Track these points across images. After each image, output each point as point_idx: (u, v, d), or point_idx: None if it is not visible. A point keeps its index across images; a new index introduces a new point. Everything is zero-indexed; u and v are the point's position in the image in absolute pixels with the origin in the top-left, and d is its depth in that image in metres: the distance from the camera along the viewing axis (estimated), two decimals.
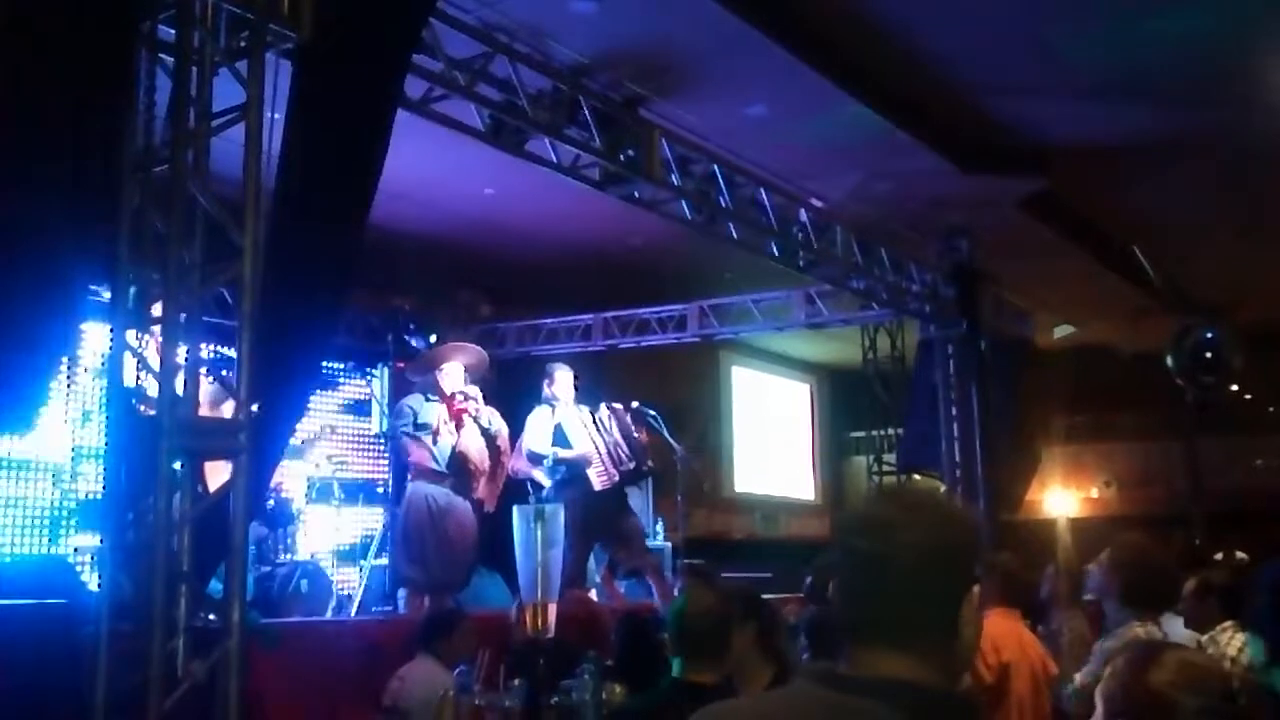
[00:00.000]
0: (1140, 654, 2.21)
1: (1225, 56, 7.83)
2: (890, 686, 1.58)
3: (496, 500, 8.28)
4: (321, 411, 10.05)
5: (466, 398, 8.24)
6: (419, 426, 8.01)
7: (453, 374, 8.24)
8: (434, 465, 7.97)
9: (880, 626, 1.63)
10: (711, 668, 3.31)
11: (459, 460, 8.05)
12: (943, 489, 10.67)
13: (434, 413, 8.06)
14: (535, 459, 8.50)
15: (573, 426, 8.56)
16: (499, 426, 8.34)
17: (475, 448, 8.14)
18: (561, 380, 8.72)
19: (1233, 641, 4.34)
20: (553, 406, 8.61)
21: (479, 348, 8.88)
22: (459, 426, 8.10)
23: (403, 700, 5.42)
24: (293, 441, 8.55)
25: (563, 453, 8.47)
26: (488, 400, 8.48)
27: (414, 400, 8.18)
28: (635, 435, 8.79)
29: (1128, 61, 7.93)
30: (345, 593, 8.78)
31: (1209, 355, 12.25)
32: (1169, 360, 12.46)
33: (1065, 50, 7.79)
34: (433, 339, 9.91)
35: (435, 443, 7.98)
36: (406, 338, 10.05)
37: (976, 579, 1.69)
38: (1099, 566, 4.36)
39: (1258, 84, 8.14)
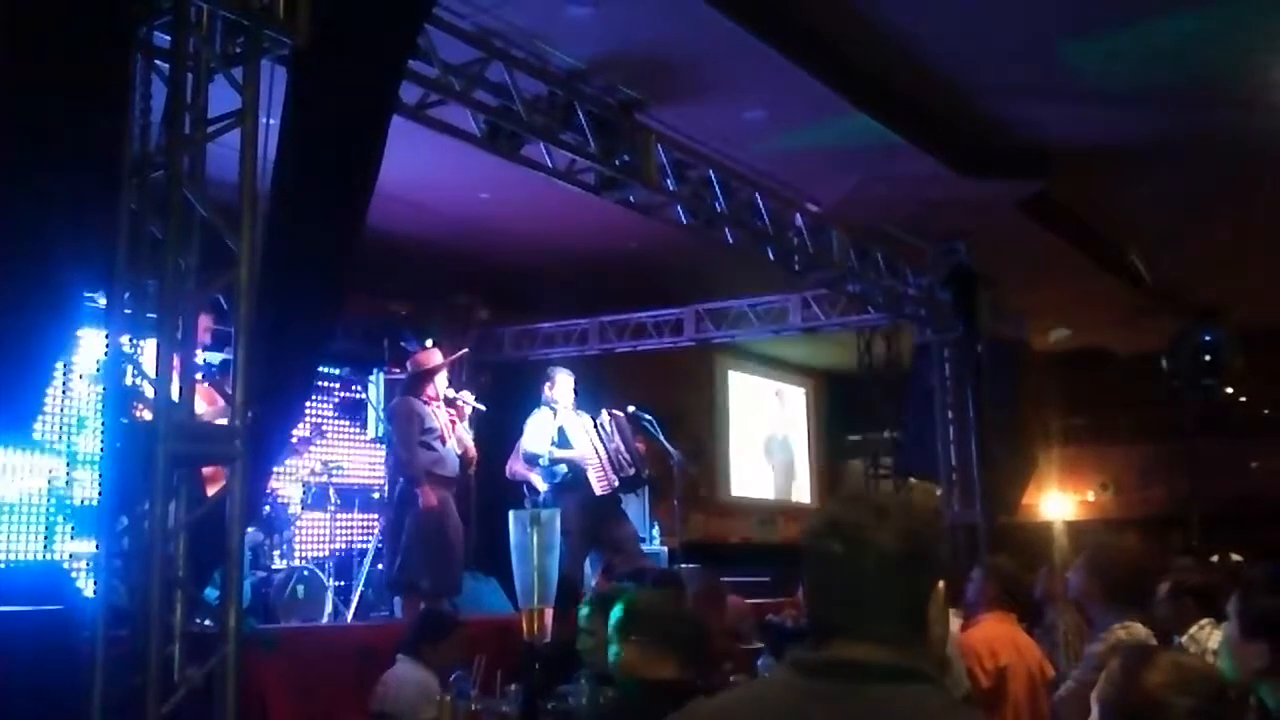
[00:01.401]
0: (1135, 656, 2.23)
1: (1222, 58, 7.85)
2: (859, 667, 1.64)
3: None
4: (317, 417, 10.04)
5: (464, 402, 8.29)
6: (426, 431, 8.02)
7: (442, 378, 8.30)
8: (442, 471, 7.98)
9: (851, 625, 1.69)
10: (681, 666, 3.28)
11: (464, 461, 8.13)
12: (939, 491, 10.70)
13: (437, 418, 8.08)
14: (531, 459, 8.51)
15: (574, 431, 8.58)
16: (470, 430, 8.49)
17: (469, 446, 8.27)
18: (562, 384, 8.73)
19: (1213, 637, 4.33)
20: (553, 410, 8.62)
21: (453, 349, 9.00)
22: (453, 430, 8.16)
23: (389, 704, 5.41)
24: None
25: (559, 452, 8.47)
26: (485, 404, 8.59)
27: (418, 405, 8.18)
28: (635, 444, 8.81)
29: (1125, 63, 7.95)
30: (341, 598, 8.77)
31: (1209, 358, 12.24)
32: (1167, 363, 12.47)
33: (1062, 53, 7.81)
34: (429, 344, 9.93)
35: (444, 446, 8.01)
36: (402, 343, 10.06)
37: (941, 578, 1.77)
38: (1075, 571, 4.37)
39: (1254, 85, 8.16)
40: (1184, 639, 4.43)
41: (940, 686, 1.70)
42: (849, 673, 1.64)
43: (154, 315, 4.12)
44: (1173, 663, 2.16)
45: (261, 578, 7.75)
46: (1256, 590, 3.90)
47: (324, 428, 9.57)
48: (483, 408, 8.70)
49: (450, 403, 8.27)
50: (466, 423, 8.37)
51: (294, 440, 8.69)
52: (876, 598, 1.68)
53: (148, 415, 4.00)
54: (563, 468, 8.46)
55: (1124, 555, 4.29)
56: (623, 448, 8.68)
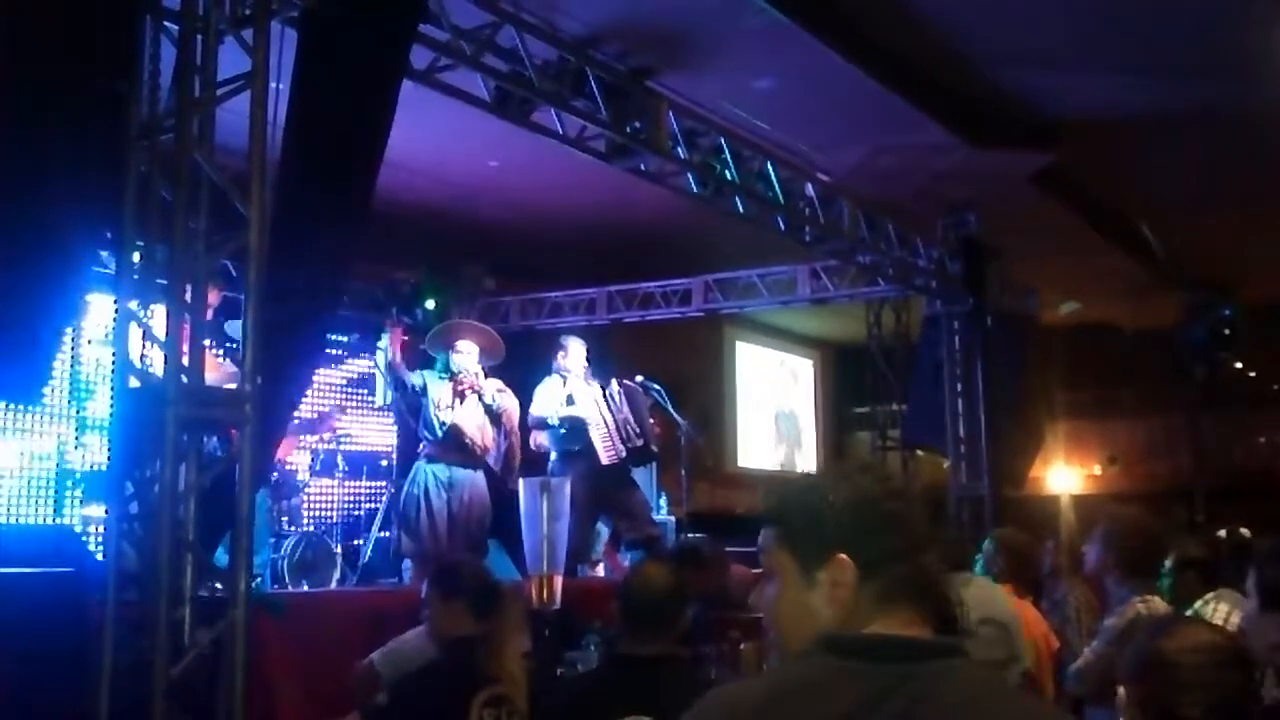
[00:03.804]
0: (1160, 624, 2.28)
1: (1235, 29, 7.77)
2: (908, 644, 1.58)
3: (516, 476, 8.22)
4: (325, 384, 10.04)
5: (469, 373, 8.25)
6: (419, 394, 8.00)
7: (468, 353, 8.15)
8: (432, 438, 7.97)
9: (903, 587, 1.64)
10: (656, 641, 3.24)
11: (454, 433, 7.98)
12: (945, 464, 10.70)
13: (441, 387, 8.03)
14: (539, 422, 8.49)
15: (583, 399, 8.55)
16: (504, 404, 8.20)
17: (474, 424, 8.02)
18: (574, 352, 8.70)
19: (1217, 613, 4.33)
20: (564, 378, 8.59)
21: (496, 335, 8.70)
22: (460, 401, 8.08)
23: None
24: (306, 416, 8.59)
25: (564, 409, 8.42)
26: (492, 375, 8.48)
27: (416, 375, 8.12)
28: (649, 418, 8.77)
29: (1137, 35, 7.88)
30: (349, 564, 8.80)
31: (1228, 331, 12.19)
32: (1181, 337, 12.42)
33: (1075, 24, 7.73)
34: (429, 304, 9.90)
35: (436, 414, 7.95)
36: (412, 309, 10.02)
37: None
38: (1091, 545, 4.35)
39: (1268, 58, 8.08)
40: (1189, 614, 4.42)
41: (965, 655, 1.67)
42: (899, 651, 1.56)
43: (163, 281, 4.11)
44: (1194, 630, 2.19)
45: (270, 543, 7.77)
46: (1268, 563, 3.89)
47: (344, 404, 9.54)
48: (482, 379, 8.52)
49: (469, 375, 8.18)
50: (489, 398, 8.07)
51: (314, 416, 8.69)
52: (924, 553, 1.68)
53: (156, 378, 4.00)
54: (567, 432, 8.43)
55: (1140, 528, 4.28)
56: (631, 419, 8.64)
